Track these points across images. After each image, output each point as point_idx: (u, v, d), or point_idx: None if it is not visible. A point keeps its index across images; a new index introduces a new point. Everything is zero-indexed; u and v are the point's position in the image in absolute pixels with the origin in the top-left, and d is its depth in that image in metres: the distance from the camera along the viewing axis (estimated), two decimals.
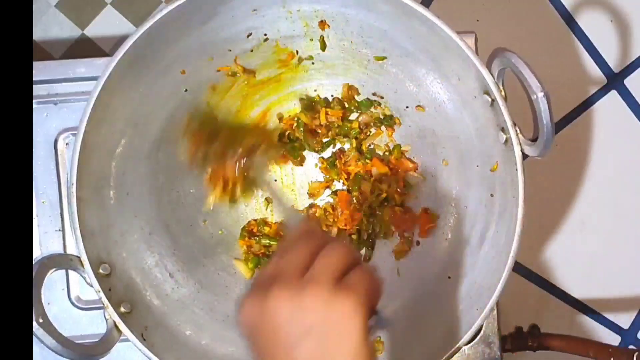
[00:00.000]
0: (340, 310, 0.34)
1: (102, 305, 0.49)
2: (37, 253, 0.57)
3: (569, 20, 0.68)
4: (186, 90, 0.56)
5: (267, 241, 0.59)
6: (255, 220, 0.60)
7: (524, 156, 0.47)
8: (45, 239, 0.58)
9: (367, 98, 0.59)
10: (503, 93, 0.47)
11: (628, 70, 0.69)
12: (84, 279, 0.49)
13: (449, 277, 0.55)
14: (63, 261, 0.48)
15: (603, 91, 0.69)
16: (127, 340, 0.49)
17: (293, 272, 0.36)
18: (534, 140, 0.46)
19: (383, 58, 0.56)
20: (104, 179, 0.52)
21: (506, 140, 0.48)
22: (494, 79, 0.47)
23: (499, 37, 0.67)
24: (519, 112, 0.47)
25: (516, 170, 0.47)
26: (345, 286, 0.35)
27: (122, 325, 0.49)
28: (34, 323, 0.43)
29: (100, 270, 0.50)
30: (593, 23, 0.68)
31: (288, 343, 0.34)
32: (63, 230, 0.58)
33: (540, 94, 0.42)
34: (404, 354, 0.55)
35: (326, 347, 0.34)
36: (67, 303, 0.58)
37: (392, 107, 0.59)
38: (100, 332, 0.49)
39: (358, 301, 0.35)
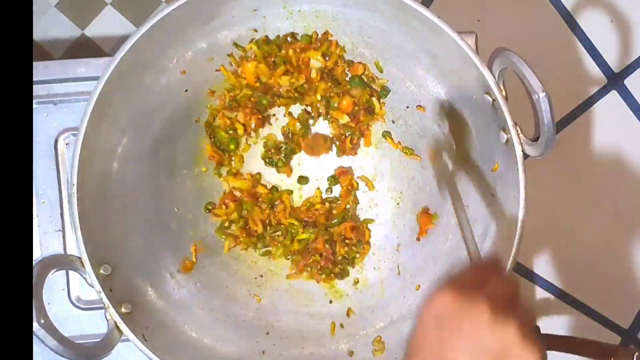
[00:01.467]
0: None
1: (102, 305, 0.49)
2: (37, 253, 0.57)
3: (569, 20, 0.68)
4: (186, 90, 0.56)
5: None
6: None
7: (525, 156, 0.47)
8: (45, 239, 0.58)
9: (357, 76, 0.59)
10: (504, 93, 0.47)
11: (628, 70, 0.69)
12: (85, 279, 0.49)
13: (450, 277, 0.55)
14: (64, 261, 0.48)
15: (603, 91, 0.69)
16: (127, 340, 0.49)
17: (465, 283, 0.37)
18: (535, 140, 0.46)
19: (382, 69, 0.57)
20: (105, 179, 0.52)
21: (507, 140, 0.48)
22: (494, 78, 0.47)
23: (499, 37, 0.67)
24: (520, 112, 0.47)
25: (517, 170, 0.47)
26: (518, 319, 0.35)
27: (123, 326, 0.49)
28: (35, 324, 0.42)
29: (101, 271, 0.49)
30: (593, 23, 0.68)
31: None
32: (63, 231, 0.58)
33: (542, 94, 0.42)
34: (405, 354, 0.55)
35: None
36: (67, 303, 0.58)
37: (392, 107, 0.59)
38: (100, 331, 0.49)
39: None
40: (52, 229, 0.58)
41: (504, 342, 0.34)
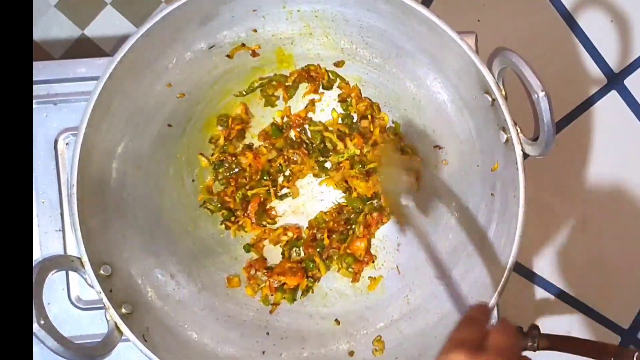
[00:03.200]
0: None
1: (102, 305, 0.49)
2: (37, 253, 0.57)
3: (569, 20, 0.68)
4: (186, 91, 0.56)
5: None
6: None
7: (525, 156, 0.47)
8: (46, 239, 0.58)
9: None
10: (503, 92, 0.47)
11: (628, 70, 0.69)
12: (85, 280, 0.49)
13: (450, 277, 0.55)
14: (64, 262, 0.48)
15: (603, 91, 0.69)
16: (128, 340, 0.49)
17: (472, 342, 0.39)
18: (535, 139, 0.46)
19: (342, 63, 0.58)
20: (105, 180, 0.52)
21: (507, 140, 0.48)
22: (494, 78, 0.47)
23: (499, 37, 0.67)
24: (520, 112, 0.47)
25: (517, 169, 0.47)
26: None
27: (123, 327, 0.49)
28: (35, 324, 0.42)
29: (102, 272, 0.49)
30: (593, 23, 0.68)
31: None
32: (63, 231, 0.58)
33: (541, 94, 0.42)
34: (405, 354, 0.55)
35: None
36: (67, 303, 0.58)
37: (392, 107, 0.59)
38: (100, 332, 0.49)
39: None
40: (52, 229, 0.58)
41: None
